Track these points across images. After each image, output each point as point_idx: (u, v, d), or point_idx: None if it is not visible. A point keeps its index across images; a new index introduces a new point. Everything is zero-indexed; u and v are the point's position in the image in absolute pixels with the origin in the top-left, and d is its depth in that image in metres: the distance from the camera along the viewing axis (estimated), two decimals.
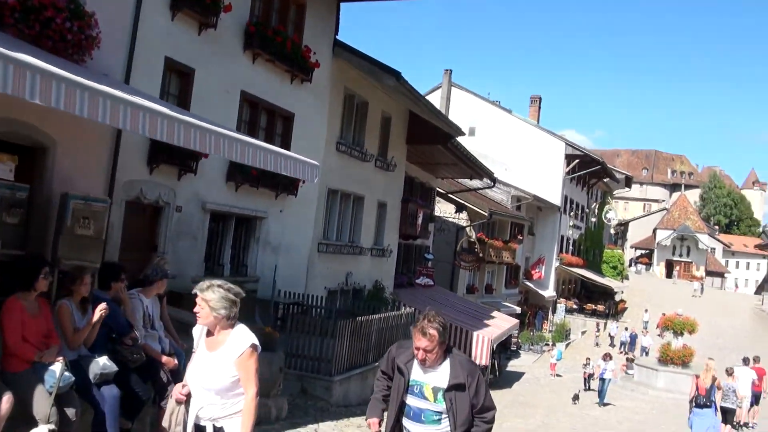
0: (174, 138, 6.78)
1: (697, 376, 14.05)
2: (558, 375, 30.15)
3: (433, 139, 21.32)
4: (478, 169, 26.11)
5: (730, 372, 17.48)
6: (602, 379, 23.10)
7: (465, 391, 4.68)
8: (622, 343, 39.95)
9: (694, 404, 13.63)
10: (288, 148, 13.00)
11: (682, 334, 28.62)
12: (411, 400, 4.82)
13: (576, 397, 22.76)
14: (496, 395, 22.12)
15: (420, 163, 25.13)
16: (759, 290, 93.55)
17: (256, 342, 4.51)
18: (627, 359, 32.14)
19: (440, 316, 4.75)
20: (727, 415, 16.20)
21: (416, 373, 4.82)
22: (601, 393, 22.80)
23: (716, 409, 13.90)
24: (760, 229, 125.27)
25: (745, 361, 20.71)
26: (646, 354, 32.60)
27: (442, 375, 4.74)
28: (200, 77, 11.84)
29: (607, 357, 24.18)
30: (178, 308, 11.14)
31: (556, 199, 43.13)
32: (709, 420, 13.25)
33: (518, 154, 42.87)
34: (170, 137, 6.73)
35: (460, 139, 22.86)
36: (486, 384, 4.85)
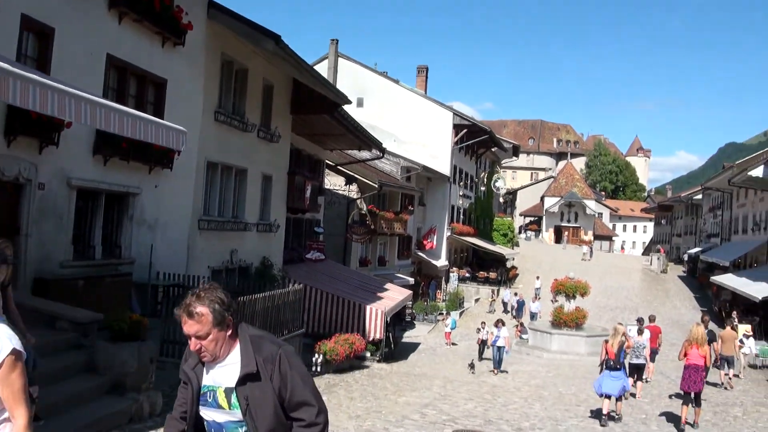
0: (29, 102, 5.78)
1: (606, 341, 14.43)
2: (453, 343, 30.07)
3: (318, 109, 20.52)
4: (366, 140, 25.51)
5: (641, 331, 19.49)
6: (496, 347, 22.52)
7: (263, 383, 3.38)
8: (513, 309, 40.43)
9: (604, 367, 14.09)
10: (161, 118, 11.96)
11: (574, 297, 29.08)
12: (206, 413, 3.52)
13: (472, 366, 22.37)
14: (393, 368, 21.95)
15: (307, 135, 24.32)
16: (646, 251, 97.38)
17: (19, 346, 3.27)
18: (516, 325, 32.37)
19: (218, 290, 3.43)
20: (638, 371, 17.30)
21: (207, 377, 3.51)
22: (496, 360, 22.40)
23: (625, 370, 14.40)
24: (645, 194, 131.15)
25: (640, 320, 21.73)
26: (535, 319, 32.90)
27: (232, 369, 3.44)
28: (61, 38, 10.77)
29: (499, 323, 23.28)
30: (44, 298, 10.15)
31: (445, 169, 43.07)
32: (620, 381, 13.71)
33: (407, 124, 42.57)
34: (24, 101, 5.73)
35: (347, 109, 22.21)
36: (301, 369, 3.50)
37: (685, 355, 14.01)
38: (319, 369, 17.35)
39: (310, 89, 19.46)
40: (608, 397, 13.68)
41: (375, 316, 20.44)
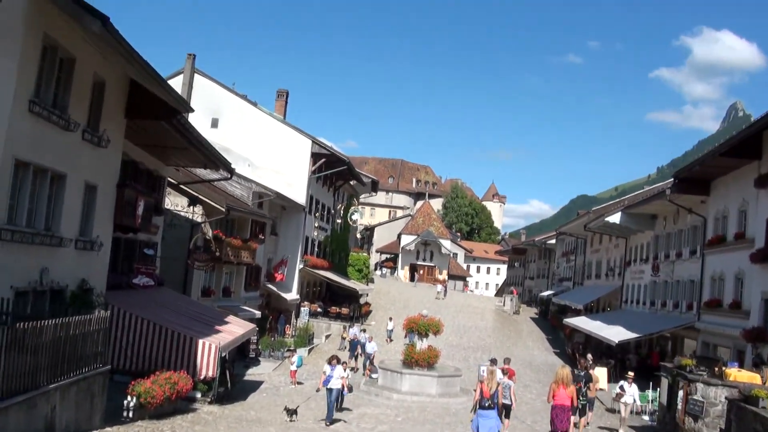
0: None
1: (482, 382, 14.96)
2: (299, 383, 27.89)
3: (156, 114, 18.12)
4: (212, 158, 23.22)
5: (510, 372, 20.10)
6: (328, 389, 19.35)
7: None
8: (362, 345, 38.60)
9: (478, 407, 14.54)
10: None
11: (427, 335, 27.80)
12: None
13: (290, 412, 18.53)
14: (225, 412, 19.39)
15: (146, 146, 21.81)
16: (499, 292, 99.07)
17: None
18: (352, 368, 30.46)
19: None
20: (507, 410, 17.99)
21: None
22: (330, 407, 19.04)
23: (498, 410, 14.93)
24: (500, 237, 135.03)
25: (493, 361, 22.36)
26: (371, 362, 31.08)
27: None
28: None
29: (333, 361, 20.14)
30: None
31: (301, 199, 41.13)
32: (493, 420, 14.23)
33: (263, 149, 40.65)
34: None
35: (201, 129, 20.01)
36: None
37: (553, 396, 14.73)
38: (130, 415, 14.75)
39: (149, 93, 17.12)
40: None
41: (208, 352, 18.03)
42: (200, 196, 27.58)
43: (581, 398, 19.71)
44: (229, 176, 26.78)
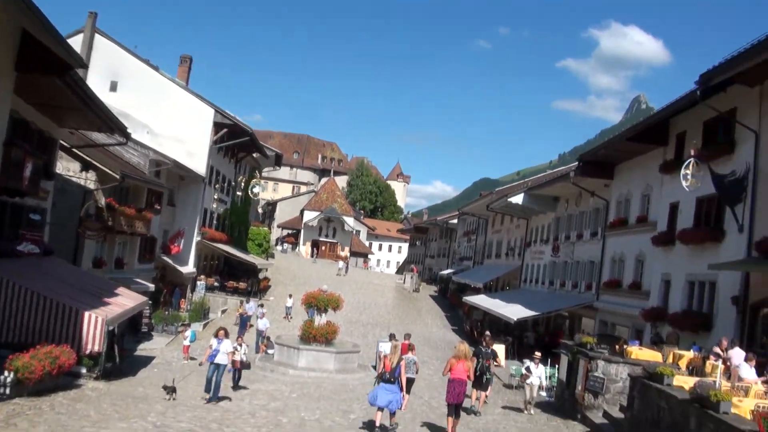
0: None
1: (386, 356, 15.54)
2: (192, 358, 27.01)
3: (48, 68, 16.90)
4: (107, 120, 21.97)
5: (413, 348, 20.74)
6: (214, 364, 17.95)
7: None
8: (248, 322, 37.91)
9: (380, 380, 14.91)
10: None
11: (326, 310, 27.38)
12: None
13: (169, 390, 17.15)
14: (112, 388, 18.33)
15: (39, 105, 20.39)
16: (400, 270, 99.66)
17: None
18: (264, 340, 29.83)
19: None
20: (409, 384, 18.16)
21: None
22: (210, 383, 17.84)
23: (400, 384, 15.07)
24: (403, 216, 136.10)
25: (392, 336, 23.24)
26: (266, 338, 30.41)
27: None
28: None
29: (221, 333, 18.58)
30: None
31: (201, 169, 39.82)
32: (393, 395, 14.51)
33: (163, 117, 38.96)
34: None
35: (100, 93, 18.82)
36: None
37: (451, 369, 15.03)
38: (7, 391, 13.72)
39: (42, 46, 15.93)
40: (381, 409, 14.45)
41: (94, 325, 17.04)
42: (94, 162, 26.20)
43: (487, 374, 20.25)
44: (124, 141, 25.54)
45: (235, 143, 43.84)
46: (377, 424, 14.50)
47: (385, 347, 24.20)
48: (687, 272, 23.76)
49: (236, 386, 20.15)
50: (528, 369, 21.92)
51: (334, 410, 17.73)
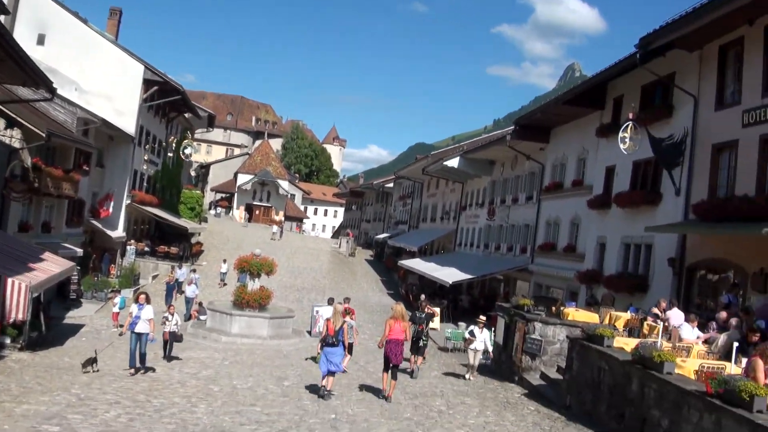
0: None
1: (329, 319, 15.32)
2: (121, 325, 26.12)
3: None
4: (31, 73, 20.72)
5: (351, 312, 20.62)
6: (135, 334, 16.65)
7: None
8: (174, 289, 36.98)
9: (324, 343, 14.79)
10: None
11: (259, 275, 26.82)
12: None
13: (89, 362, 16.02)
14: (37, 359, 17.44)
15: None
16: (336, 234, 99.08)
17: None
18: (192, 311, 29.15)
19: None
20: (349, 347, 18.05)
21: None
22: (133, 356, 16.58)
23: (344, 347, 15.25)
24: (338, 180, 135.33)
25: (330, 300, 22.86)
26: (191, 306, 29.71)
27: None
28: None
29: (141, 297, 17.24)
30: None
31: (130, 128, 38.38)
32: (338, 357, 14.83)
33: (92, 73, 37.29)
34: None
35: (26, 46, 17.72)
36: None
37: (390, 330, 15.22)
38: None
39: None
40: (331, 374, 14.73)
41: (18, 292, 16.17)
42: (19, 119, 24.84)
43: (424, 338, 20.20)
44: (50, 97, 24.24)
45: (166, 101, 42.43)
46: (327, 386, 14.76)
47: (324, 311, 23.91)
48: (623, 235, 23.96)
49: (167, 358, 19.35)
50: (471, 333, 20.70)
51: (267, 377, 17.29)
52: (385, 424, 12.54)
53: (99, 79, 37.36)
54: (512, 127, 36.54)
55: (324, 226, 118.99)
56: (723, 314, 15.01)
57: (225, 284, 39.32)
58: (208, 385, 15.45)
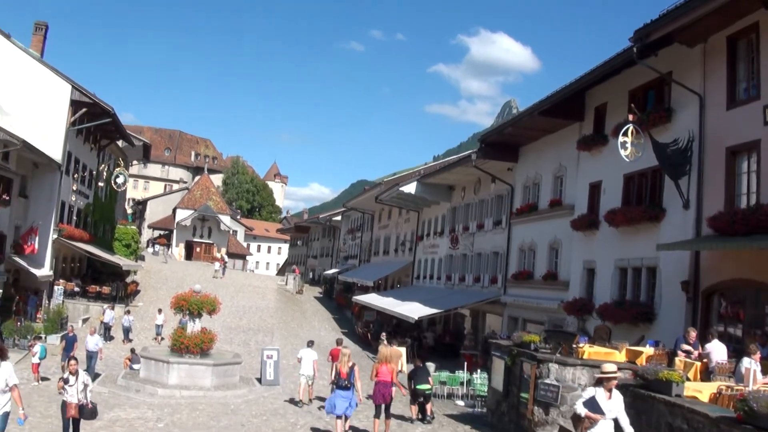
0: None
1: (339, 364, 15.07)
2: (44, 378, 22.43)
3: None
4: None
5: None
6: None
7: None
8: (126, 330, 33.25)
9: (336, 386, 14.82)
10: None
11: (200, 315, 23.37)
12: None
13: None
14: None
15: None
16: (281, 271, 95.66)
17: None
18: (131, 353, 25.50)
19: None
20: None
21: None
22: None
23: (354, 390, 14.99)
24: (282, 216, 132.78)
25: (309, 343, 22.54)
26: (93, 361, 24.95)
27: None
28: None
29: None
30: None
31: (57, 154, 34.56)
32: (350, 400, 14.72)
33: (15, 93, 33.73)
34: None
35: None
36: None
37: (377, 373, 15.67)
38: None
39: None
40: (340, 417, 14.56)
41: None
42: None
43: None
44: None
45: (96, 125, 38.76)
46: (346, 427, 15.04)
47: (305, 354, 21.12)
48: (617, 258, 21.37)
49: None
50: (593, 403, 17.32)
51: None
52: None
53: (23, 99, 33.77)
54: (471, 151, 34.09)
55: (268, 263, 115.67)
56: None
57: (162, 338, 34.10)
58: None
